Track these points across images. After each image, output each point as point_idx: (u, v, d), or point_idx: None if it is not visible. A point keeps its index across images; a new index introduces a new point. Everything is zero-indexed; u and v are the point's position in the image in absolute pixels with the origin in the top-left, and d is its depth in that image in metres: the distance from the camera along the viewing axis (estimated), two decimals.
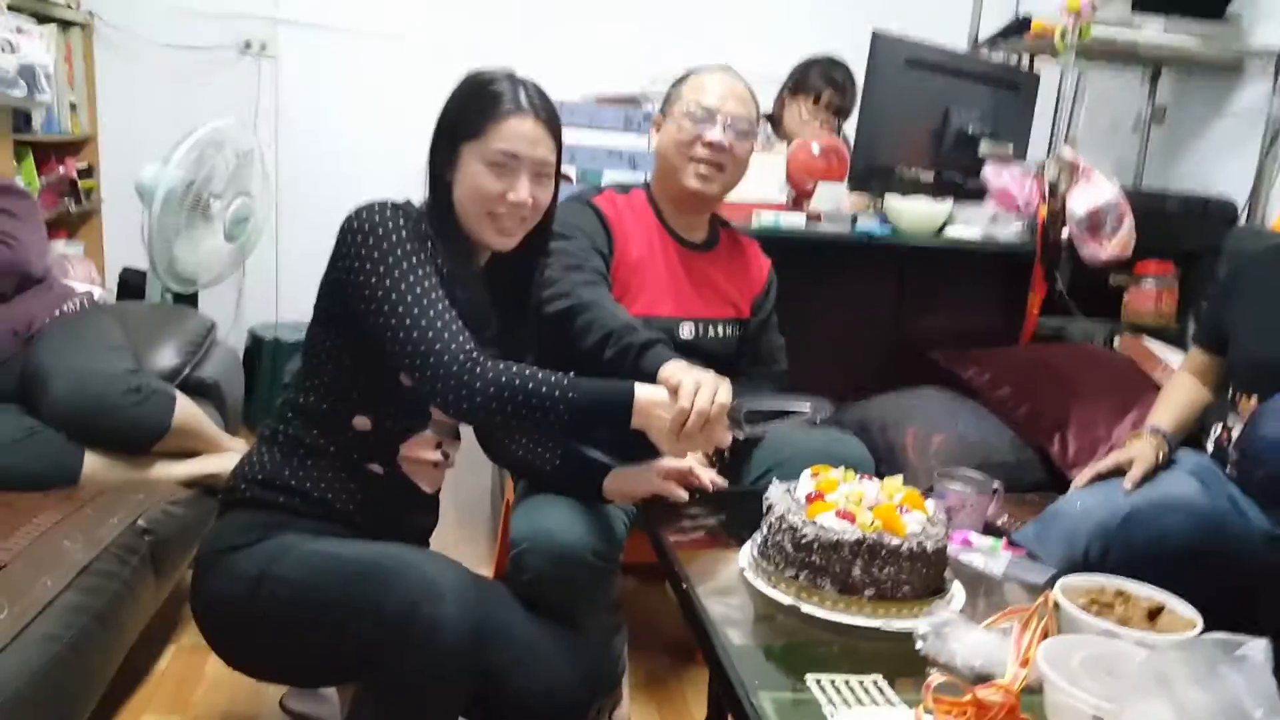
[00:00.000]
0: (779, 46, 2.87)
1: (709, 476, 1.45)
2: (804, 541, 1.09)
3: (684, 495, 1.40)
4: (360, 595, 1.11)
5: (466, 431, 1.44)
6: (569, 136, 2.21)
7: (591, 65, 2.83)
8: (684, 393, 1.21)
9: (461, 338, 1.19)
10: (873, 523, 1.09)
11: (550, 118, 1.30)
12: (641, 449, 1.30)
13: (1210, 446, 1.62)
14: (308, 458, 1.27)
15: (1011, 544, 1.32)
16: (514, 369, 1.20)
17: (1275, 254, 1.67)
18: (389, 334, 1.19)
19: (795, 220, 2.13)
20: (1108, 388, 2.00)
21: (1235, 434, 1.55)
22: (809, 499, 1.15)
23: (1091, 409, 1.93)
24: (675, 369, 1.27)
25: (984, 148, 2.23)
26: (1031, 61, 2.81)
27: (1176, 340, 2.27)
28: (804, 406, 1.30)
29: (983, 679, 0.91)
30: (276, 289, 3.31)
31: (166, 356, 2.04)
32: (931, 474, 1.91)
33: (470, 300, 1.28)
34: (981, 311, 2.37)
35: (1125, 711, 0.80)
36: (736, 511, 1.32)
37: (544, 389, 1.19)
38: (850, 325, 2.31)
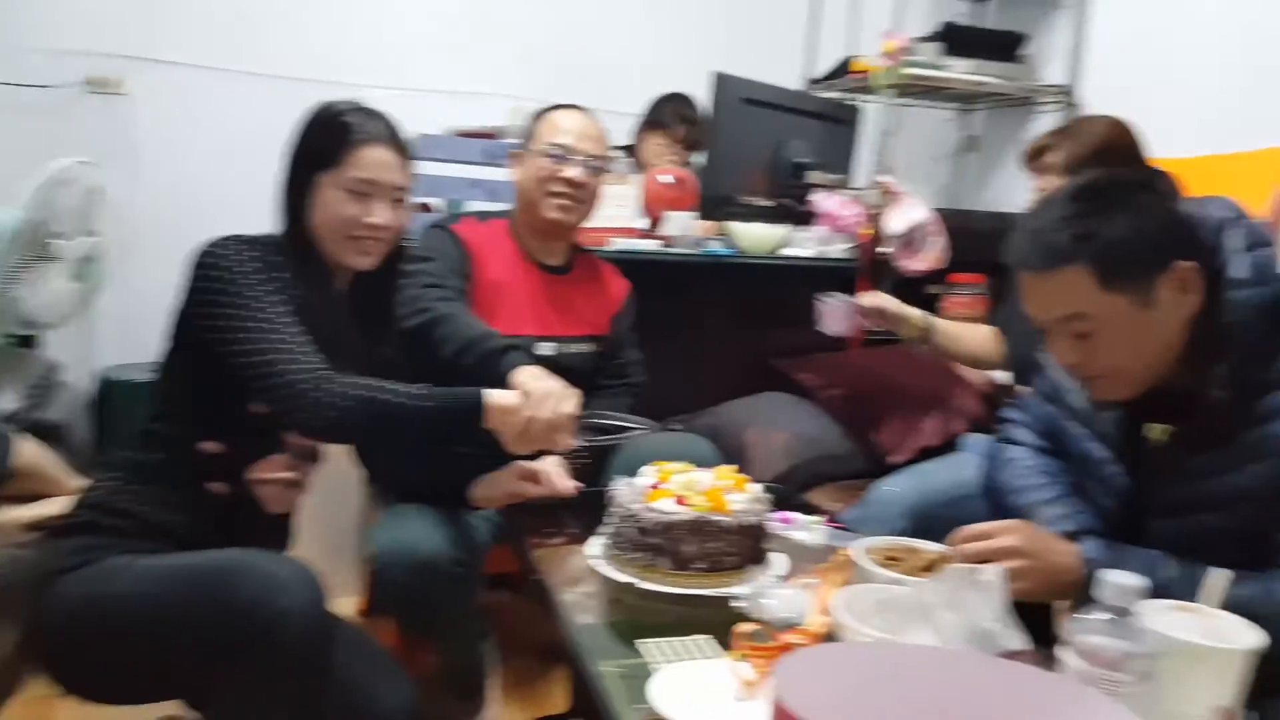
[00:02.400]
0: (632, 84, 3.06)
1: (566, 482, 1.53)
2: (643, 526, 1.22)
3: (538, 492, 1.49)
4: (204, 598, 1.12)
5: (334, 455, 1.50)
6: (431, 169, 2.33)
7: (452, 100, 2.94)
8: (532, 401, 1.33)
9: (313, 358, 1.25)
10: (702, 504, 1.23)
11: (402, 145, 1.38)
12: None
13: None
14: (146, 481, 1.29)
15: (831, 521, 1.48)
16: (365, 382, 1.27)
17: None
18: (239, 362, 1.24)
19: (650, 244, 2.29)
20: (921, 384, 2.23)
21: None
22: (649, 489, 1.29)
23: (907, 404, 2.17)
24: (528, 376, 1.39)
25: (814, 176, 2.45)
26: (860, 98, 3.09)
27: None
28: (639, 424, 1.45)
29: (791, 628, 1.05)
30: (130, 330, 3.22)
31: (4, 400, 2.01)
32: (774, 469, 2.10)
33: (329, 324, 1.35)
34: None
35: (900, 638, 0.96)
36: (592, 513, 1.41)
37: (397, 398, 1.27)
38: (702, 340, 2.47)
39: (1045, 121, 2.97)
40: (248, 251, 1.29)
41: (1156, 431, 1.16)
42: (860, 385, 2.27)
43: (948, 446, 2.10)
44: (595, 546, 1.32)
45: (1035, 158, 1.77)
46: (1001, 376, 2.20)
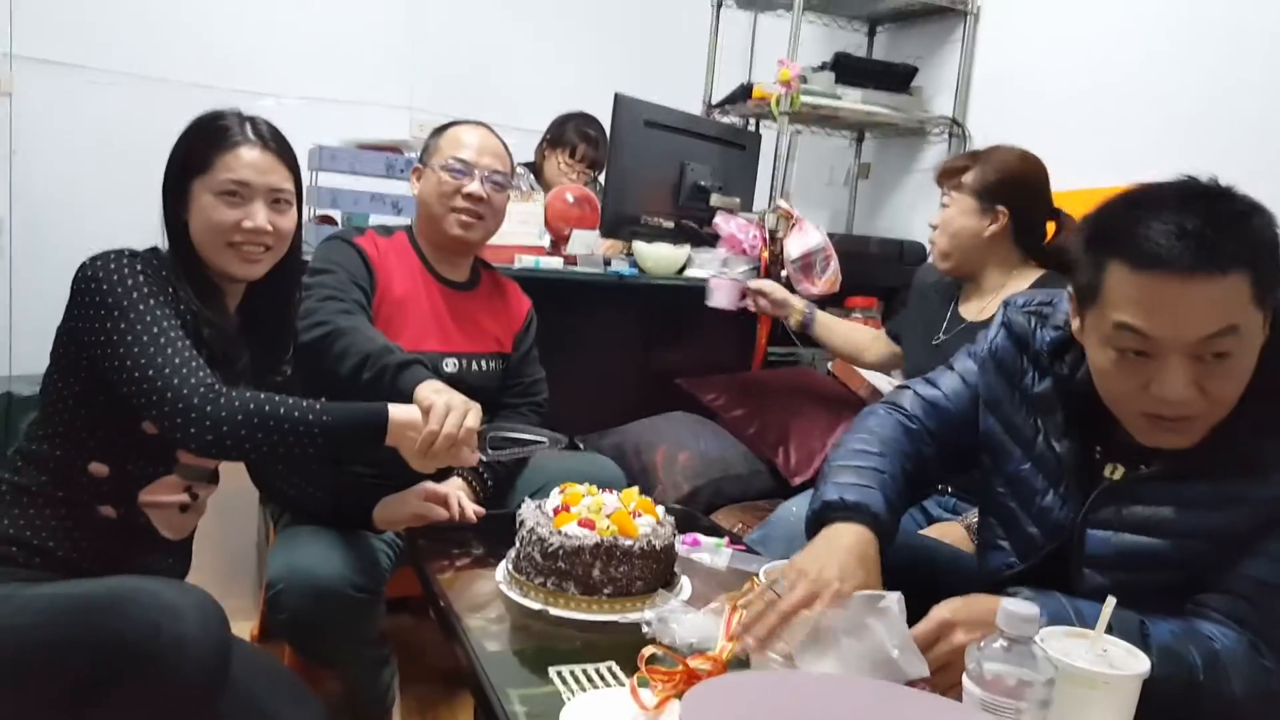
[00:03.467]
0: (534, 102, 3.06)
1: (470, 508, 1.52)
2: (550, 550, 1.22)
3: (444, 514, 1.47)
4: (96, 626, 1.08)
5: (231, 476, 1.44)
6: (330, 180, 2.27)
7: (354, 112, 2.88)
8: (434, 415, 1.31)
9: (202, 373, 1.22)
10: (609, 528, 1.23)
11: (281, 148, 1.35)
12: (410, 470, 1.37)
13: None
14: (30, 505, 1.24)
15: (735, 543, 1.51)
16: (261, 396, 1.24)
17: (930, 290, 2.03)
18: (126, 380, 1.21)
19: (554, 263, 2.29)
20: (821, 405, 2.31)
21: None
22: (555, 512, 1.28)
23: (808, 424, 2.23)
24: (429, 390, 1.36)
25: (715, 199, 2.50)
26: (758, 124, 3.17)
27: None
28: (543, 436, 1.44)
29: (699, 653, 1.06)
30: (10, 340, 3.03)
31: None
32: (679, 489, 2.12)
33: (221, 342, 1.31)
34: (720, 342, 2.63)
35: (800, 663, 0.98)
36: (498, 535, 1.40)
37: (296, 414, 1.24)
38: (606, 358, 2.48)
39: (935, 151, 3.12)
40: (133, 266, 1.25)
41: (1119, 473, 1.08)
42: (763, 405, 2.32)
43: None
44: (501, 571, 1.31)
45: (950, 176, 1.85)
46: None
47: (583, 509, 1.27)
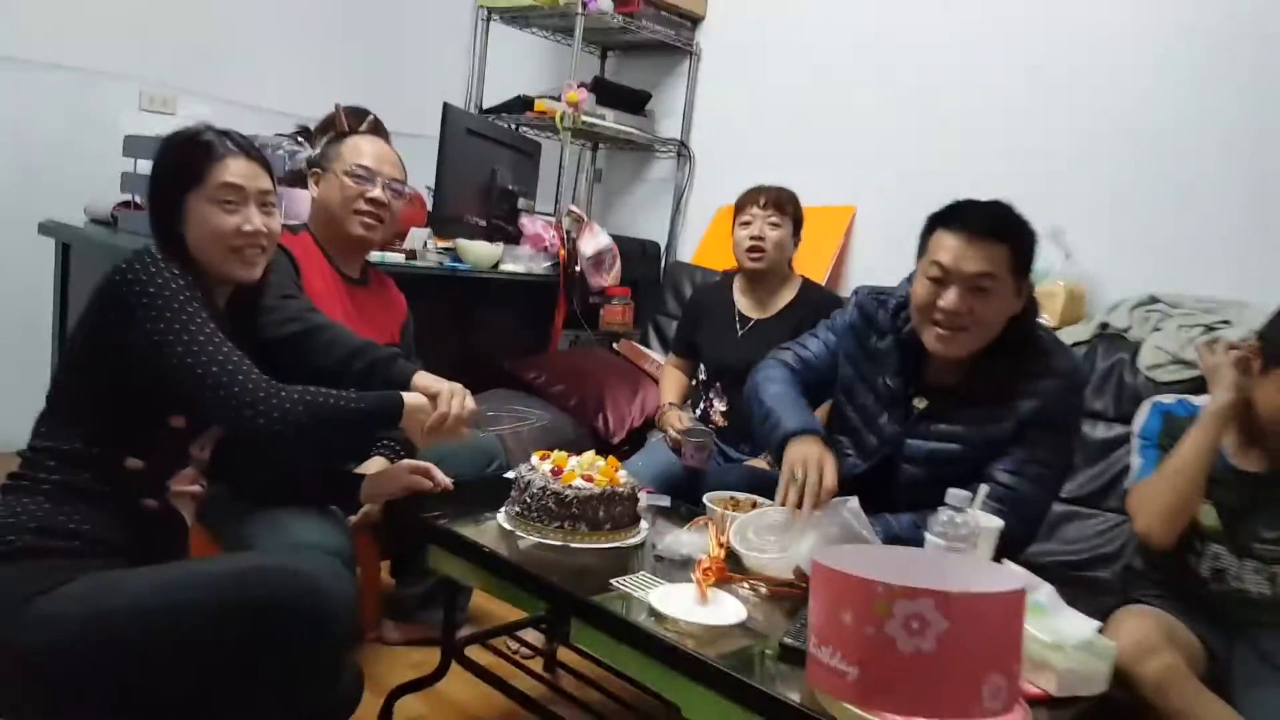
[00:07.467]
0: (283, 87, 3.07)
1: (444, 479, 1.73)
2: (566, 499, 1.58)
3: (428, 485, 1.70)
4: (255, 597, 1.21)
5: None
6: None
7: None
8: (442, 399, 1.56)
9: (255, 371, 1.36)
10: (605, 480, 1.63)
11: (258, 154, 1.47)
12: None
13: (698, 414, 2.50)
14: (82, 501, 1.29)
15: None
16: (309, 389, 1.40)
17: (715, 289, 2.61)
18: (186, 378, 1.30)
19: (396, 257, 2.50)
20: (621, 379, 2.83)
21: (715, 406, 2.46)
22: (555, 472, 1.64)
23: (615, 393, 2.74)
24: (428, 379, 1.60)
25: (522, 203, 2.87)
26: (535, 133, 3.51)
27: (642, 340, 3.22)
28: (526, 412, 1.77)
29: (689, 560, 1.51)
30: None
31: None
32: (528, 455, 2.49)
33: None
34: (523, 327, 3.02)
35: (794, 546, 1.49)
36: (463, 498, 1.69)
37: (342, 404, 1.42)
38: (432, 342, 2.72)
39: (661, 165, 3.74)
40: (170, 269, 1.33)
41: (924, 403, 1.70)
42: (577, 380, 2.77)
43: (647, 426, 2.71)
44: (504, 519, 1.63)
45: (781, 204, 2.36)
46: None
47: (578, 467, 1.65)
